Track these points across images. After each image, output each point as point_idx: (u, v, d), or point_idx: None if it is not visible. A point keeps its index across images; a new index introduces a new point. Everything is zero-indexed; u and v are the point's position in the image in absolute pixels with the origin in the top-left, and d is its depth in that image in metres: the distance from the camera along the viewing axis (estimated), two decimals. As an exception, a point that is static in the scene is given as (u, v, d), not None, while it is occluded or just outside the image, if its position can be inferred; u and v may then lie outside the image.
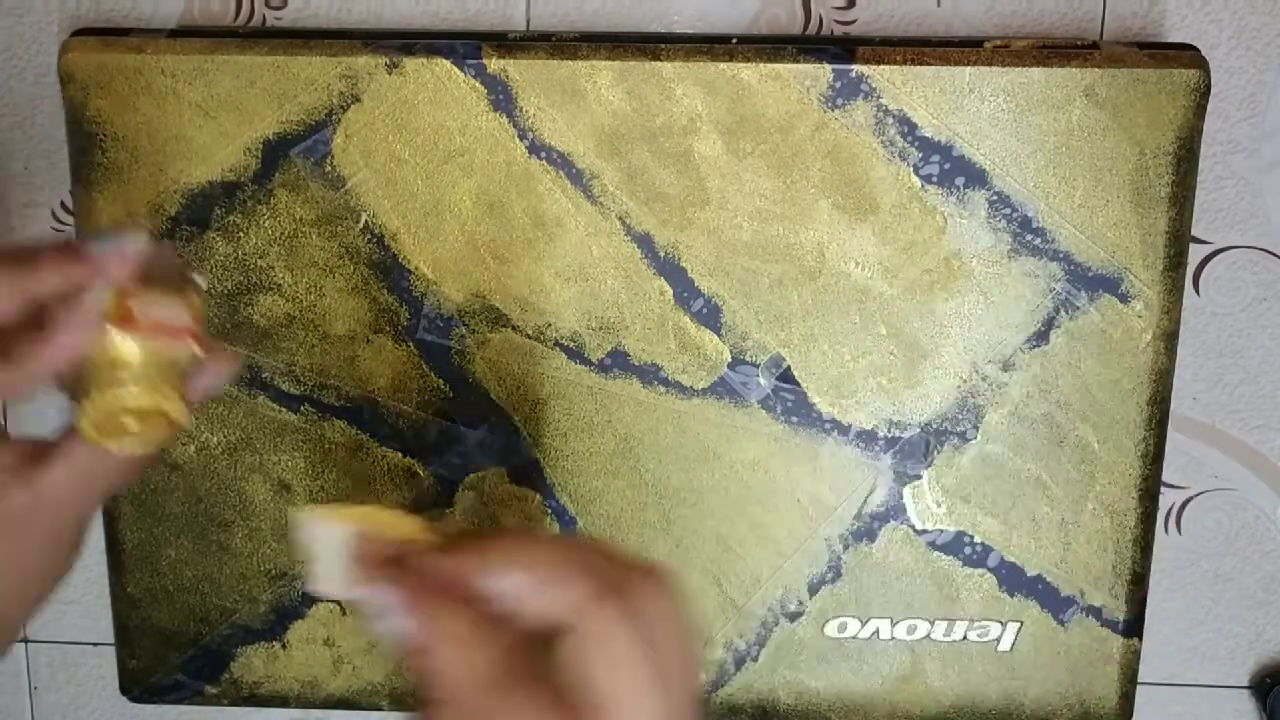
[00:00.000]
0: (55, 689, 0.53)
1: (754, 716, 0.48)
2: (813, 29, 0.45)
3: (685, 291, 0.44)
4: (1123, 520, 0.46)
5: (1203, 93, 0.42)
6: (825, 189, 0.43)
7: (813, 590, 0.47)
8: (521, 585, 0.29)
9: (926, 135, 0.43)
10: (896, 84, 0.42)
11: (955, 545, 0.46)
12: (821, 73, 0.42)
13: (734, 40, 0.43)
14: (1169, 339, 0.44)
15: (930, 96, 0.42)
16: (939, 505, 0.46)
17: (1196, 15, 0.45)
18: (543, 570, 0.30)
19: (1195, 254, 0.47)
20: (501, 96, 0.43)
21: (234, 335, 0.45)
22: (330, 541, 0.30)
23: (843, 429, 0.45)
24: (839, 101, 0.43)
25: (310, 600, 0.48)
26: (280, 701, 0.49)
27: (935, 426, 0.45)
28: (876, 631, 0.47)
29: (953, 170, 0.43)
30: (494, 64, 0.43)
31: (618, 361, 0.45)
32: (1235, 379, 0.48)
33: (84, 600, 0.52)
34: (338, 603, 0.47)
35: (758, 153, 0.43)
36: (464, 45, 0.43)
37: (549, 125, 0.43)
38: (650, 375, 0.45)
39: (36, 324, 0.33)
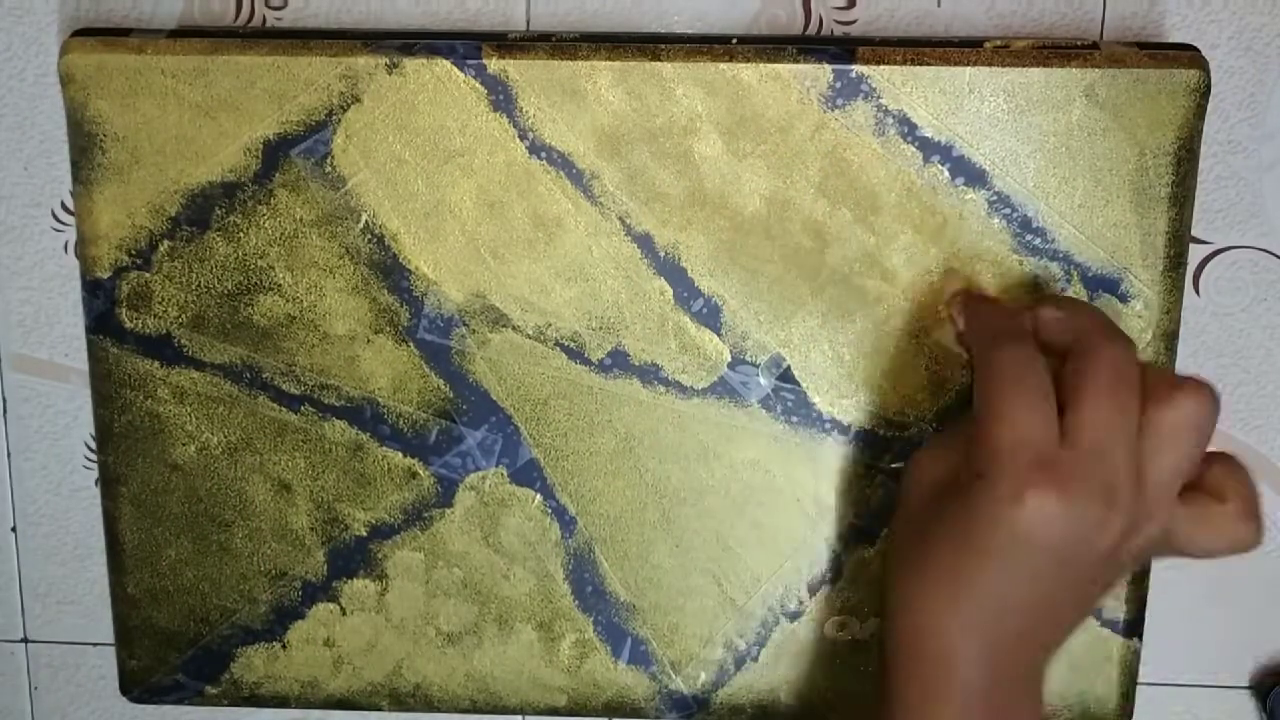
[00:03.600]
0: (55, 689, 0.53)
1: (754, 716, 0.48)
2: (813, 29, 0.45)
3: (685, 291, 0.44)
4: (1123, 520, 0.46)
5: (1203, 93, 0.42)
6: (825, 189, 0.43)
7: (813, 590, 0.47)
8: (1049, 316, 0.40)
9: (926, 135, 0.43)
10: (896, 84, 0.42)
11: (955, 545, 0.46)
12: (821, 73, 0.42)
13: (734, 40, 0.43)
14: (1169, 339, 0.44)
15: (930, 97, 0.42)
16: (939, 505, 0.46)
17: (1196, 15, 0.45)
18: (1067, 307, 0.40)
19: (1195, 254, 0.47)
20: (501, 97, 0.43)
21: (234, 335, 0.45)
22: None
23: (843, 429, 0.45)
24: (839, 102, 0.43)
25: (310, 600, 0.48)
26: (280, 702, 0.49)
27: (936, 425, 0.45)
28: (877, 631, 0.47)
29: (953, 170, 0.43)
30: (494, 64, 0.43)
31: (618, 361, 0.45)
32: (1235, 379, 0.48)
33: (84, 600, 0.52)
34: (338, 603, 0.47)
35: (758, 153, 0.43)
36: (464, 45, 0.43)
37: (549, 125, 0.43)
38: (650, 375, 0.45)
39: None
